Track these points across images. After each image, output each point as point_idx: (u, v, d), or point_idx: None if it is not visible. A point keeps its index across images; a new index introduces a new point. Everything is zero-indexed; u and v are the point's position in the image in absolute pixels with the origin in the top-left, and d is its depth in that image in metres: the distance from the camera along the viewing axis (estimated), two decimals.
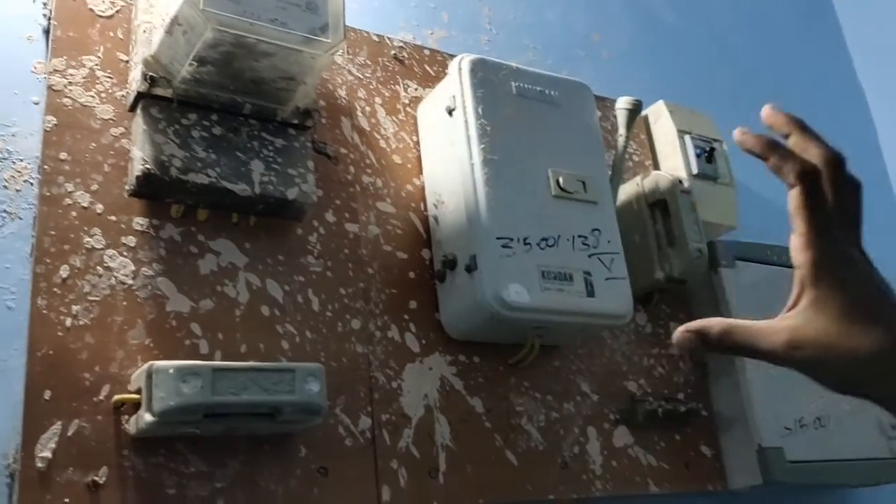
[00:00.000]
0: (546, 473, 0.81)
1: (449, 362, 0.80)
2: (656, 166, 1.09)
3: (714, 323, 0.44)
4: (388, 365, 0.76)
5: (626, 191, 0.99)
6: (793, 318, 0.43)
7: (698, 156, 1.06)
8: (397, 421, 0.74)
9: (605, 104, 1.05)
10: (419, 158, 0.87)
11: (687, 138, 1.07)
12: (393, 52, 0.90)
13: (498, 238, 0.75)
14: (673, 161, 1.07)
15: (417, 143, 0.87)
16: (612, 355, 0.92)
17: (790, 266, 1.14)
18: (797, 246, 0.43)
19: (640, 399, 0.91)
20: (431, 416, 0.76)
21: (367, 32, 0.89)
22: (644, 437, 0.90)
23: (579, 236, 0.80)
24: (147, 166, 0.65)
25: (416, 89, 0.90)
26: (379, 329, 0.77)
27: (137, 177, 0.65)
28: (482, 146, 0.78)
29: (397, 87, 0.89)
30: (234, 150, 0.70)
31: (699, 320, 0.44)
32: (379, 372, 0.75)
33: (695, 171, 1.05)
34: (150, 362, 0.59)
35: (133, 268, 0.66)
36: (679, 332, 0.44)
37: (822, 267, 0.42)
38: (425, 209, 0.84)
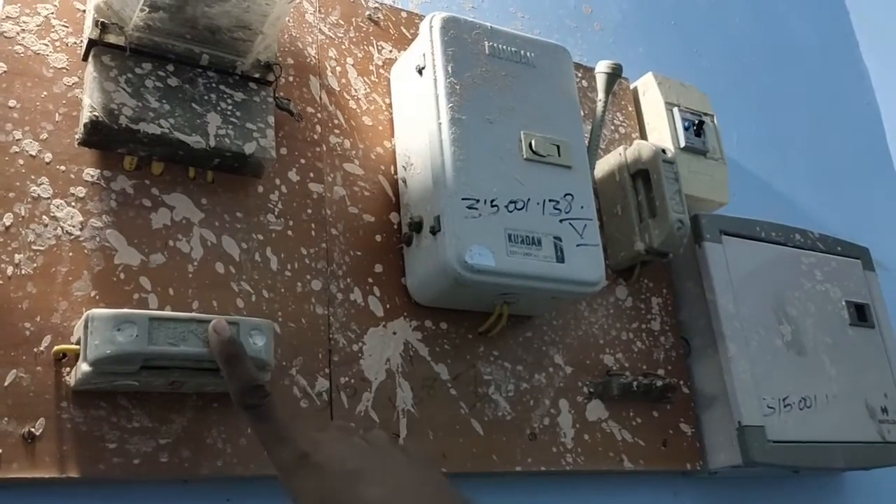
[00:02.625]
0: (513, 444, 0.79)
1: (414, 328, 0.77)
2: (644, 139, 1.06)
3: None
4: (349, 328, 0.74)
5: (609, 161, 0.96)
6: None
7: (686, 128, 1.03)
8: (356, 384, 0.72)
9: (592, 76, 1.03)
10: (391, 121, 0.84)
11: (675, 111, 1.04)
12: (368, 12, 0.88)
13: (463, 199, 0.73)
14: (660, 134, 1.04)
15: (390, 105, 0.85)
16: (588, 328, 0.89)
17: (779, 243, 1.10)
18: None
19: (616, 373, 0.88)
20: (393, 381, 0.74)
21: None
22: (619, 411, 0.87)
23: (550, 200, 0.77)
24: (95, 114, 0.63)
25: (390, 51, 0.88)
26: (341, 291, 0.75)
27: (85, 125, 0.63)
28: (450, 105, 0.76)
29: (371, 48, 0.87)
30: (190, 102, 0.68)
31: None
32: (339, 334, 0.73)
33: (682, 143, 1.02)
34: (88, 311, 0.57)
35: (81, 218, 0.64)
36: None
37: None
38: (395, 172, 0.82)
